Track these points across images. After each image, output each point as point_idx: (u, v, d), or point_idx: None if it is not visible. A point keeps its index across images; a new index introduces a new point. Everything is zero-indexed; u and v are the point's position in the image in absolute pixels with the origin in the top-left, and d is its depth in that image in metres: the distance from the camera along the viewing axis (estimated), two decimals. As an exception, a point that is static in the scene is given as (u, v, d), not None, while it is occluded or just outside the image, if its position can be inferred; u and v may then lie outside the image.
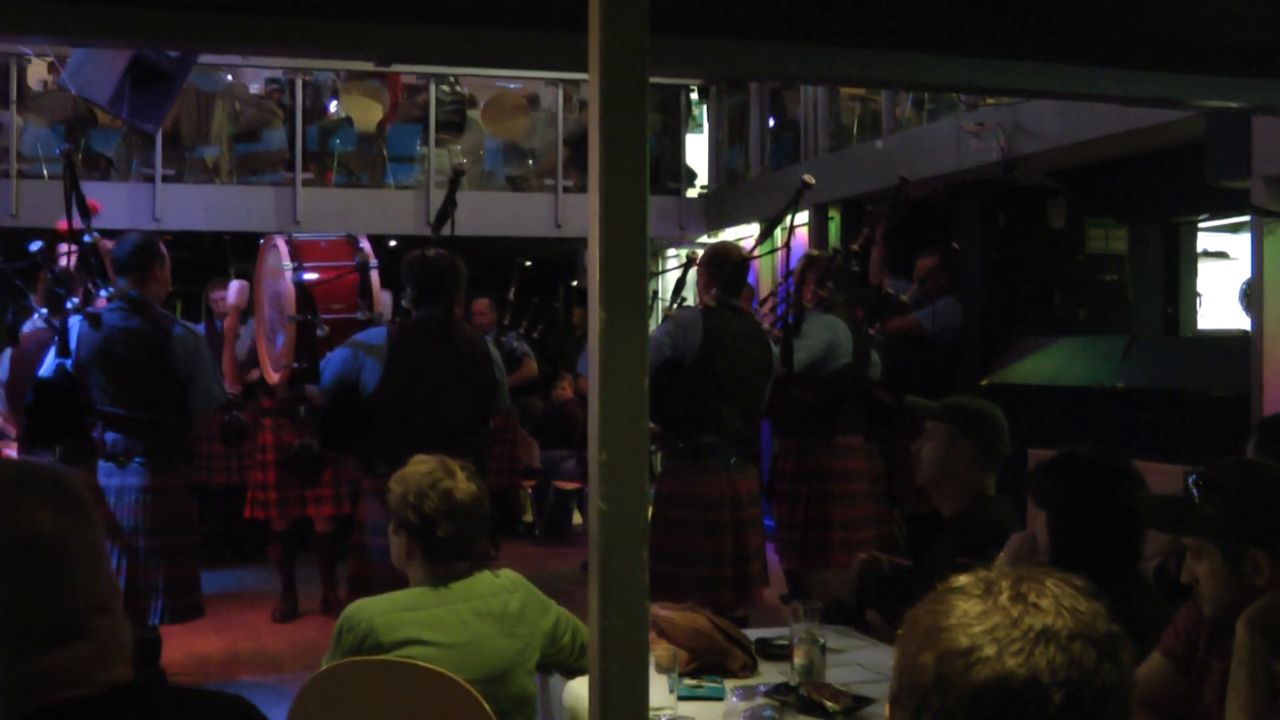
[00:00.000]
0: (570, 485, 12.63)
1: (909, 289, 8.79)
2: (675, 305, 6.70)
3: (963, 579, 1.64)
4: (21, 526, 1.77)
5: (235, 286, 8.20)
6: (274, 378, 7.18)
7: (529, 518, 12.98)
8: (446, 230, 6.19)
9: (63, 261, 7.01)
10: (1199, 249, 12.01)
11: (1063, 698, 1.50)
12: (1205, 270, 12.07)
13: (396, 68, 12.85)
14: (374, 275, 6.73)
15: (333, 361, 5.89)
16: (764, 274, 12.05)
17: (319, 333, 6.20)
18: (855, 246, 7.76)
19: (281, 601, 9.14)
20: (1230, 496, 2.88)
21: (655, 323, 6.68)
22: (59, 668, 1.76)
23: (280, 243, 6.87)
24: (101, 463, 6.27)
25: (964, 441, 4.49)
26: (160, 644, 6.65)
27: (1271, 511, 2.84)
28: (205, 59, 10.99)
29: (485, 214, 13.12)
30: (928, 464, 4.59)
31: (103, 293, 6.43)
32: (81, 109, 12.36)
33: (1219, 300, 11.85)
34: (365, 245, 6.93)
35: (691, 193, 14.79)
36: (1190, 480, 2.96)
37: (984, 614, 1.57)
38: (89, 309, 6.34)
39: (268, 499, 8.87)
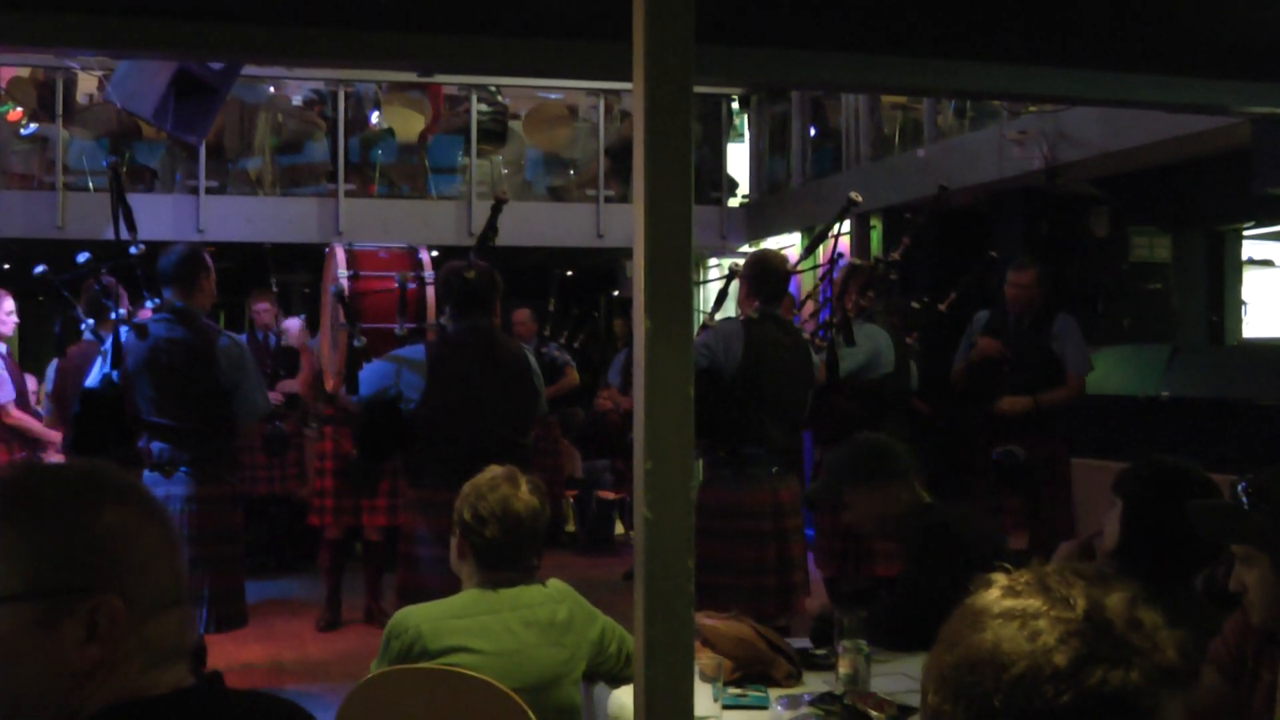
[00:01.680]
0: (612, 495, 12.64)
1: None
2: (715, 315, 6.68)
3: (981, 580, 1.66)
4: (91, 522, 1.78)
5: (292, 325, 8.40)
6: (331, 384, 7.22)
7: (571, 528, 12.99)
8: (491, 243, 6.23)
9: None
10: (1244, 256, 11.93)
11: (1021, 670, 1.50)
12: (1250, 278, 11.98)
13: (440, 78, 12.89)
14: (429, 289, 6.72)
15: (370, 375, 5.91)
16: (806, 284, 12.02)
17: (355, 344, 6.21)
18: (895, 255, 7.70)
19: (325, 610, 9.17)
20: (1279, 504, 2.86)
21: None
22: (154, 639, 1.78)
23: (339, 250, 6.90)
24: (147, 472, 6.29)
25: (869, 489, 4.71)
26: (206, 652, 6.68)
27: None
28: (248, 71, 11.05)
29: (526, 224, 13.14)
30: (863, 528, 4.96)
31: (149, 304, 6.46)
32: (126, 122, 12.46)
33: (1264, 308, 11.77)
34: (424, 257, 6.95)
35: (733, 202, 14.79)
36: (1240, 488, 2.94)
37: (971, 605, 1.61)
38: (135, 320, 6.37)
39: (324, 506, 8.92)
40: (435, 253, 11.83)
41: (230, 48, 3.49)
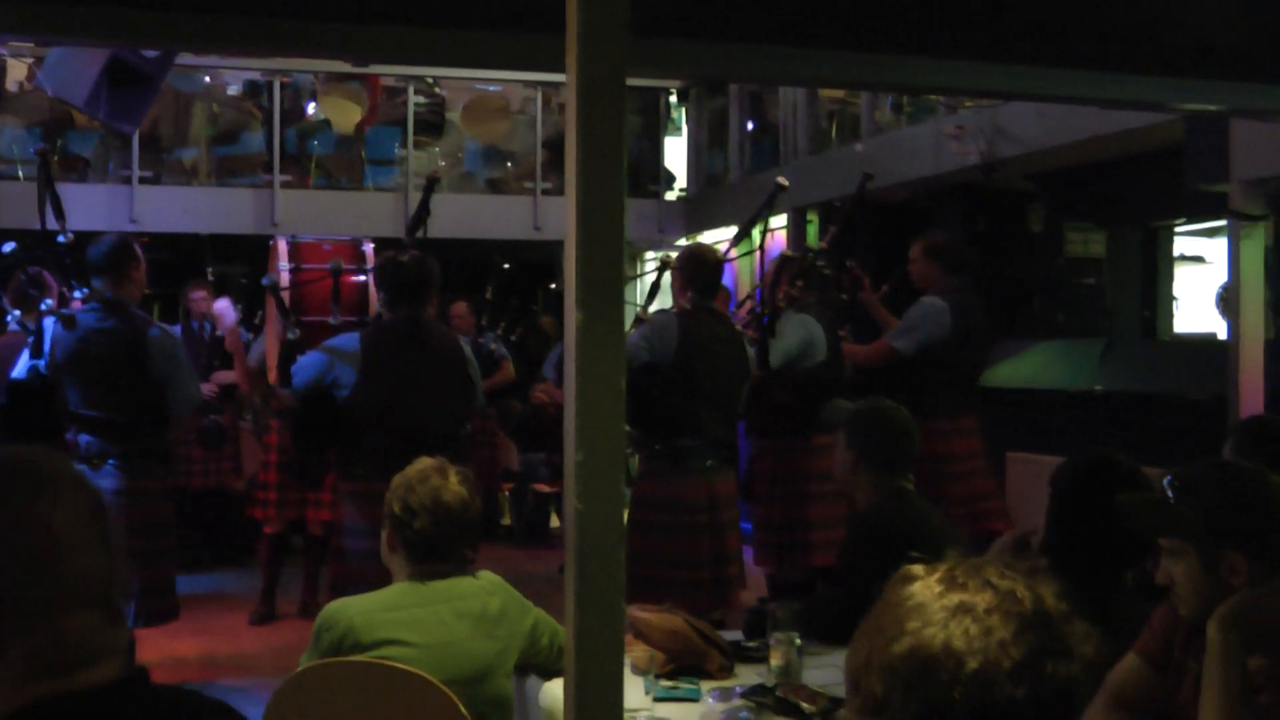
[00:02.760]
0: (548, 488, 12.62)
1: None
2: (649, 309, 6.68)
3: (903, 570, 1.68)
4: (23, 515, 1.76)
5: (222, 307, 8.24)
6: (273, 377, 7.18)
7: (507, 520, 12.97)
8: (421, 233, 6.20)
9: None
10: (1175, 253, 12.06)
11: (976, 665, 1.53)
12: (1181, 274, 12.12)
13: (375, 69, 12.83)
14: (370, 282, 6.68)
15: (304, 366, 5.88)
16: (742, 276, 12.05)
17: (289, 336, 6.17)
18: (824, 244, 7.71)
19: (260, 604, 9.11)
20: (1206, 498, 2.89)
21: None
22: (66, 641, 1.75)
23: (281, 243, 6.86)
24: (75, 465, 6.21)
25: (849, 453, 4.69)
26: (134, 646, 6.62)
27: (1247, 513, 2.85)
28: (183, 60, 10.95)
29: (464, 216, 13.11)
30: (836, 473, 4.85)
31: (77, 294, 6.40)
32: (58, 110, 12.31)
33: (1195, 304, 11.90)
34: (368, 249, 6.91)
35: (670, 195, 14.80)
36: (1166, 482, 2.97)
37: (907, 597, 1.63)
38: (64, 310, 6.30)
39: (266, 499, 8.83)
40: (372, 244, 11.81)
41: (164, 36, 3.44)
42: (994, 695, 1.52)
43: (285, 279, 6.55)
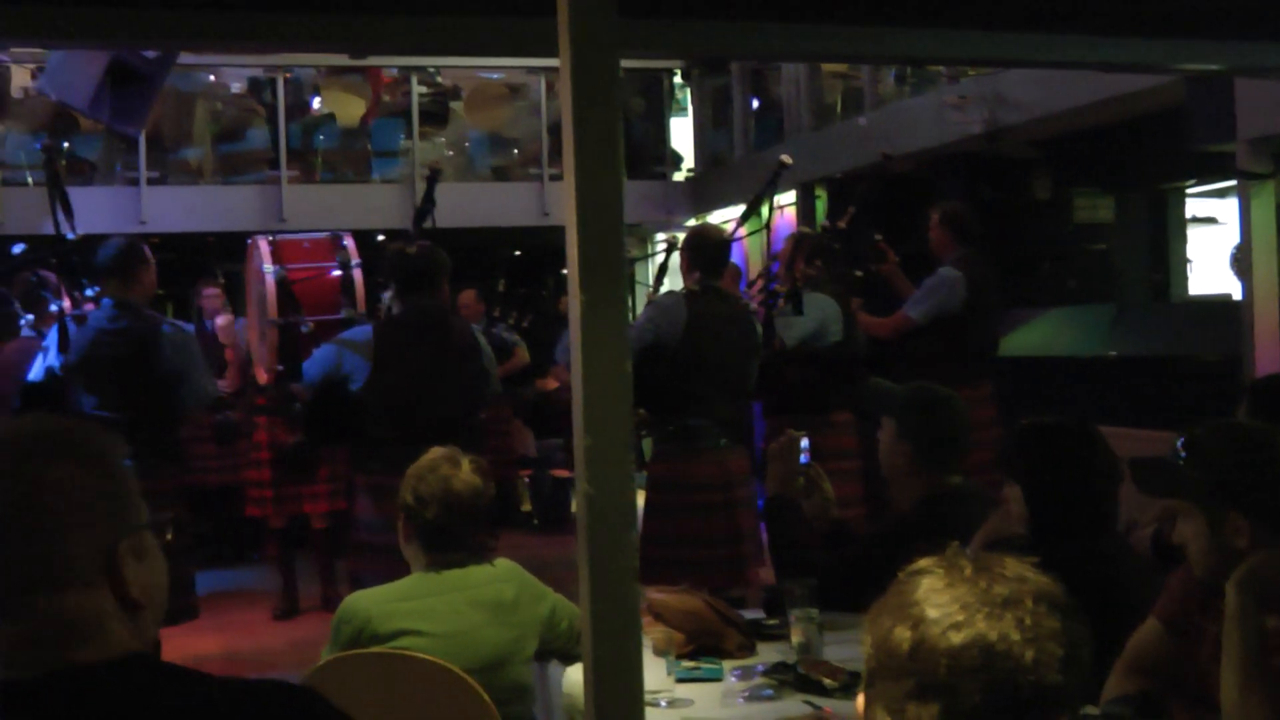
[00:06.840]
0: (566, 474, 12.62)
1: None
2: (657, 290, 6.68)
3: (924, 562, 1.71)
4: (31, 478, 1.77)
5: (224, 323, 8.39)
6: (264, 377, 7.17)
7: (527, 507, 12.97)
8: (427, 224, 6.20)
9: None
10: (1188, 215, 12.02)
11: (1033, 654, 1.57)
12: (1195, 236, 12.08)
13: (372, 60, 12.80)
14: (357, 274, 6.69)
15: (317, 360, 5.88)
16: (752, 254, 12.03)
17: (303, 329, 6.17)
18: (841, 224, 7.70)
19: (281, 599, 9.14)
20: (1211, 459, 2.90)
21: (640, 307, 6.66)
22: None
23: (262, 243, 6.84)
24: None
25: (901, 444, 4.40)
26: (159, 647, 6.62)
27: (1249, 474, 2.86)
28: (184, 59, 10.95)
29: (470, 205, 13.10)
30: (881, 460, 4.54)
31: (88, 294, 6.40)
32: (63, 115, 12.31)
33: (1210, 266, 11.87)
34: (349, 244, 6.90)
35: (677, 176, 14.78)
36: (1178, 444, 2.97)
37: (950, 586, 1.65)
38: (75, 311, 6.30)
39: (264, 497, 8.87)
40: (381, 237, 11.81)
41: (158, 35, 3.45)
42: (1046, 682, 1.57)
43: (271, 280, 6.51)
